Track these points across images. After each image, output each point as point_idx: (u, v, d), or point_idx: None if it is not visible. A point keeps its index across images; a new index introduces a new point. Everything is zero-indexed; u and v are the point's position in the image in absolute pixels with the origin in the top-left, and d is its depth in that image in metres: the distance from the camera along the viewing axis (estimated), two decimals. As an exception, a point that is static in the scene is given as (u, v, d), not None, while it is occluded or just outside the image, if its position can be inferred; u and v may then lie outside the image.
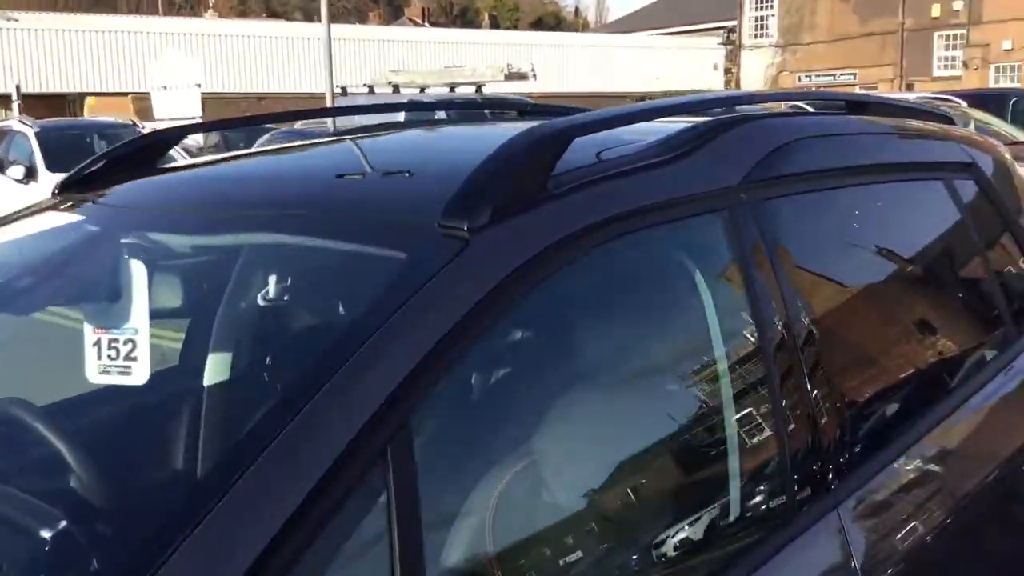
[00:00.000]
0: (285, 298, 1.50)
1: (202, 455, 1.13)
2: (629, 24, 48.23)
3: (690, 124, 1.77)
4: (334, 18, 19.57)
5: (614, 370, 1.49)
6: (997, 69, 30.04)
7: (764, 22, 37.86)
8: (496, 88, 14.99)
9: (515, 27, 54.67)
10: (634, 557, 1.37)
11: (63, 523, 1.30)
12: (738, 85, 38.01)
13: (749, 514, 1.50)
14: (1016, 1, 28.64)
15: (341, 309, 1.32)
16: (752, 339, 1.56)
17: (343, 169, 1.75)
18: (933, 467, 1.78)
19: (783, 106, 3.99)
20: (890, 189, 2.04)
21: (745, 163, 1.66)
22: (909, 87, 29.74)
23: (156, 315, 1.62)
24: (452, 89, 15.89)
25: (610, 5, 72.63)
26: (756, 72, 37.72)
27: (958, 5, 30.89)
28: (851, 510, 1.57)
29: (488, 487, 1.25)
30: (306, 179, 1.72)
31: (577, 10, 74.31)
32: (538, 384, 1.38)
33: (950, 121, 2.46)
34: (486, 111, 3.67)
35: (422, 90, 16.28)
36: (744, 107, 2.08)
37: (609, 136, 1.61)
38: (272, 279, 1.56)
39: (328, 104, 12.46)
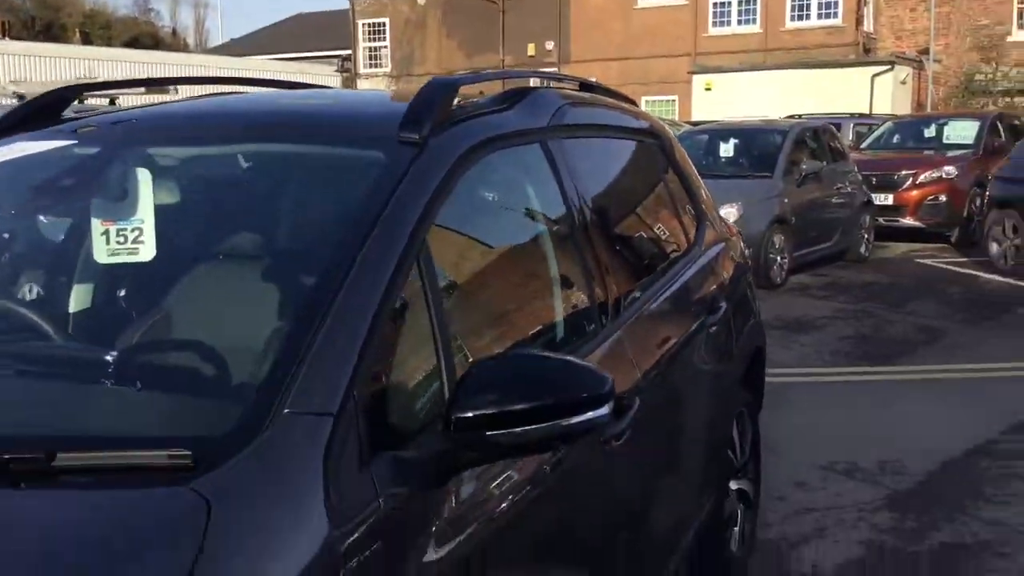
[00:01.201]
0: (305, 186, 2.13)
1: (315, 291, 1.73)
2: (241, 48, 47.86)
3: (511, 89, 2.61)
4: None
5: (498, 235, 2.29)
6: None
7: (377, 52, 39.61)
8: (136, 100, 14.82)
9: (109, 44, 51.94)
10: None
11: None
12: (356, 111, 39.38)
13: (573, 332, 2.35)
14: (598, 44, 32.79)
15: (359, 188, 1.96)
16: (566, 222, 2.42)
17: (286, 106, 2.39)
18: (662, 305, 2.79)
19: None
20: (618, 142, 3.03)
21: (545, 115, 2.54)
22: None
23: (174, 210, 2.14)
24: (82, 100, 15.41)
25: (210, 28, 70.92)
26: (373, 99, 39.41)
27: (550, 45, 34.57)
28: (626, 331, 2.48)
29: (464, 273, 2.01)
30: (273, 109, 2.34)
31: (175, 31, 71.99)
32: (469, 231, 2.15)
33: (635, 104, 3.51)
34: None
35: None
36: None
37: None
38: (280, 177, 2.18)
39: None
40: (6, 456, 1.36)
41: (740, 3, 31.04)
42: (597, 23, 33.11)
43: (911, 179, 12.74)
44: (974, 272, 10.69)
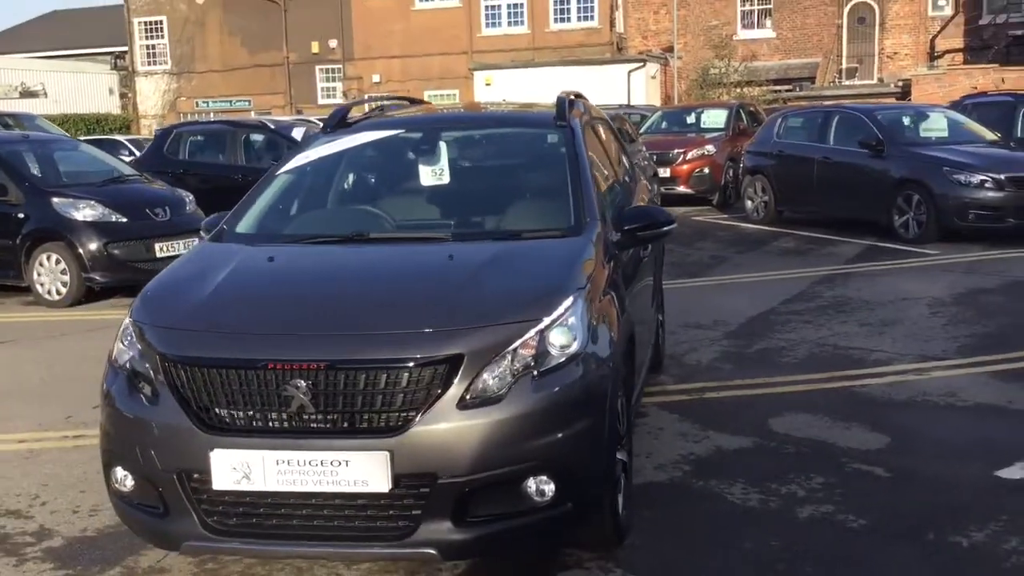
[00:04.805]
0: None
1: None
2: (3, 46, 46.14)
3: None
4: None
5: (606, 155, 4.98)
6: (371, 98, 36.28)
7: (155, 50, 39.80)
8: (9, 105, 15.78)
9: None
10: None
11: None
12: (135, 109, 39.50)
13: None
14: (380, 43, 35.18)
15: (555, 143, 4.57)
16: (606, 155, 5.15)
17: (483, 115, 4.98)
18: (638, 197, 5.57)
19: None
20: (603, 123, 5.78)
21: (587, 113, 5.25)
22: (299, 112, 34.43)
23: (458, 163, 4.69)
24: None
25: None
26: (153, 97, 39.62)
27: (333, 43, 36.53)
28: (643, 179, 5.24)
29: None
30: (490, 113, 4.93)
31: None
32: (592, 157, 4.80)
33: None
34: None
35: None
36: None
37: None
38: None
39: None
40: (494, 235, 3.98)
41: (509, 5, 34.36)
42: (378, 22, 35.38)
43: (682, 156, 16.28)
44: (735, 223, 14.27)
